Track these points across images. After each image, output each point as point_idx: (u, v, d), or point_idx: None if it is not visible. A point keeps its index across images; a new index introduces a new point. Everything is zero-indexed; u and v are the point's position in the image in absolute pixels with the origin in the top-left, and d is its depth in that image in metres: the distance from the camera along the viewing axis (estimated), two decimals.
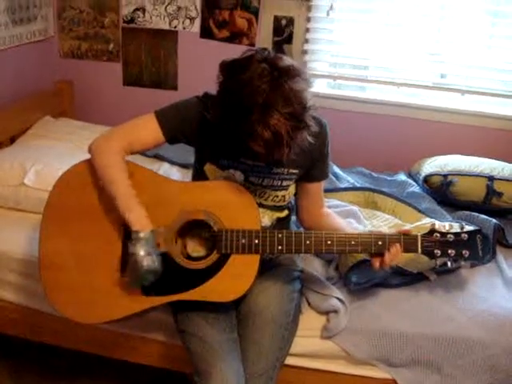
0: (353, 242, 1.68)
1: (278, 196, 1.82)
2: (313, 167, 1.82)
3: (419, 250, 1.68)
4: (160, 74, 3.23)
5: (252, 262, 1.68)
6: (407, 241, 1.68)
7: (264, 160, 1.65)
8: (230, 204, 1.69)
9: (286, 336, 1.81)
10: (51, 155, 2.45)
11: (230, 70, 1.53)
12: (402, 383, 1.93)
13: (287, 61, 1.51)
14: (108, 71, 3.28)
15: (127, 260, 1.62)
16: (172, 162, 2.77)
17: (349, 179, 2.62)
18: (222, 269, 1.68)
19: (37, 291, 2.02)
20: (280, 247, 1.68)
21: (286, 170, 1.77)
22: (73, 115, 3.24)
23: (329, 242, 1.68)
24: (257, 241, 1.67)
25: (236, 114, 1.48)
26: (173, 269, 1.68)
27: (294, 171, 1.79)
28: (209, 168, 1.78)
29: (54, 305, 1.71)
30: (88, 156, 1.74)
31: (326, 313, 1.93)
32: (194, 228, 1.72)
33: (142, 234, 1.59)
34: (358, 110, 3.10)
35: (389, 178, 2.73)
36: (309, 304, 1.96)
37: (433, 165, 2.67)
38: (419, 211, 2.35)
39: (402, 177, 2.74)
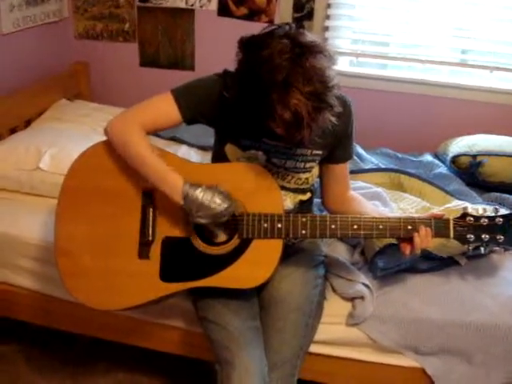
0: (381, 227, 1.60)
1: (301, 178, 1.74)
2: (337, 148, 1.74)
3: (451, 234, 1.60)
4: (177, 54, 3.15)
5: (275, 247, 1.61)
6: (438, 225, 1.60)
7: (285, 141, 1.57)
8: (251, 187, 1.62)
9: (310, 323, 1.75)
10: (67, 138, 2.39)
11: (249, 47, 1.44)
12: (430, 372, 1.86)
13: (310, 36, 1.42)
14: (124, 52, 3.21)
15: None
16: (190, 144, 2.71)
17: (373, 160, 2.53)
18: (243, 254, 1.61)
19: (53, 277, 1.98)
20: (304, 231, 1.61)
21: (309, 152, 1.69)
22: (88, 97, 3.20)
23: (355, 227, 1.60)
24: (280, 225, 1.60)
25: (255, 93, 1.40)
26: (192, 254, 1.62)
27: (318, 152, 1.71)
28: (229, 148, 1.70)
29: (70, 291, 1.65)
30: (103, 138, 1.67)
31: (352, 299, 1.86)
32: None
33: (183, 202, 1.54)
34: (380, 88, 3.00)
35: (414, 159, 2.64)
36: (333, 290, 1.89)
37: (460, 145, 2.57)
38: (447, 193, 2.26)
39: (429, 157, 2.64)
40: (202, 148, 2.69)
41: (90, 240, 1.65)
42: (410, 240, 1.60)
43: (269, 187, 1.62)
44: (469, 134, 2.73)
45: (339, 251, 1.99)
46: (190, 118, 1.65)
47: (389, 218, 1.62)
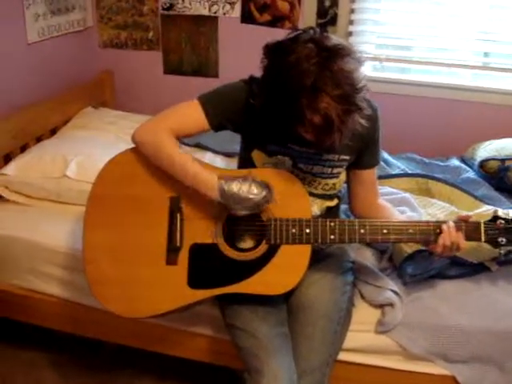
0: (411, 231, 1.58)
1: (328, 184, 1.73)
2: (364, 153, 1.72)
3: (482, 237, 1.57)
4: (200, 62, 3.15)
5: (303, 252, 1.60)
6: (469, 228, 1.57)
7: (314, 147, 1.56)
8: (278, 192, 1.60)
9: (339, 330, 1.72)
10: (92, 146, 2.41)
11: (274, 53, 1.44)
12: (461, 380, 1.82)
13: (335, 40, 1.41)
14: (148, 60, 3.22)
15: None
16: (215, 151, 2.70)
17: (399, 165, 2.50)
18: (271, 260, 1.60)
19: (79, 284, 1.99)
20: (332, 237, 1.59)
21: (336, 157, 1.68)
22: (113, 105, 3.22)
23: (385, 231, 1.58)
24: (308, 230, 1.59)
25: (283, 99, 1.39)
26: (220, 260, 1.61)
27: (345, 157, 1.69)
28: (256, 154, 1.69)
29: (98, 299, 1.65)
30: (131, 146, 1.68)
31: (381, 306, 1.83)
32: (242, 218, 1.63)
33: (220, 197, 1.54)
34: (404, 92, 2.96)
35: (441, 164, 2.60)
36: (362, 297, 1.87)
37: (488, 149, 2.52)
38: (476, 198, 2.22)
39: (456, 162, 2.60)
40: (227, 154, 2.68)
41: (117, 247, 1.65)
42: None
43: (296, 192, 1.61)
44: (495, 138, 2.68)
45: (367, 257, 1.96)
46: (217, 125, 1.65)
47: (419, 222, 1.60)
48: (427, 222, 1.60)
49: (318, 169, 1.69)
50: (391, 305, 1.80)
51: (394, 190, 2.18)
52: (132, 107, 3.16)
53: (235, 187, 1.53)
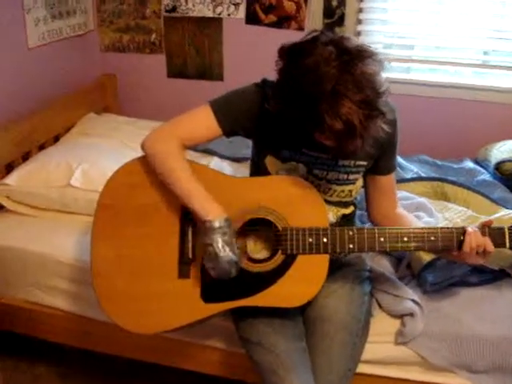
0: (432, 238, 1.52)
1: (344, 191, 1.66)
2: (382, 158, 1.66)
3: (507, 243, 1.51)
4: (205, 65, 3.09)
5: (321, 262, 1.53)
6: (493, 233, 1.51)
7: (334, 153, 1.49)
8: (294, 200, 1.54)
9: (358, 343, 1.66)
10: (97, 153, 2.35)
11: (291, 55, 1.36)
12: None
13: (355, 41, 1.34)
14: (151, 63, 3.17)
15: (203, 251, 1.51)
16: (222, 156, 2.64)
17: (412, 168, 2.43)
18: (287, 271, 1.54)
19: (88, 298, 1.93)
20: (351, 246, 1.53)
21: (352, 163, 1.61)
22: (117, 110, 3.17)
23: (405, 239, 1.52)
24: (325, 239, 1.52)
25: (301, 104, 1.32)
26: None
27: (362, 163, 1.63)
28: (269, 161, 1.63)
29: (107, 314, 1.58)
30: (137, 153, 1.62)
31: (400, 316, 1.76)
32: (256, 227, 1.57)
33: (216, 223, 1.46)
34: (411, 93, 2.90)
35: (455, 166, 2.53)
36: (380, 307, 1.80)
37: (503, 150, 2.46)
38: (493, 201, 2.16)
39: (470, 164, 2.54)
40: (235, 160, 2.63)
41: (127, 260, 1.59)
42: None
43: (313, 200, 1.55)
44: (508, 138, 2.63)
45: (384, 265, 1.90)
46: (229, 131, 1.59)
47: (440, 228, 1.53)
48: (449, 228, 1.53)
49: (333, 175, 1.62)
50: (411, 315, 1.73)
51: (410, 195, 2.12)
52: (135, 112, 3.11)
53: (218, 238, 1.46)
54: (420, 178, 2.28)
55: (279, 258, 1.54)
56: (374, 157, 1.63)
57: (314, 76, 1.28)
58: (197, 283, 1.56)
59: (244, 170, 2.51)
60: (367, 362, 1.77)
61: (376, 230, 1.53)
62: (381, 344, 1.78)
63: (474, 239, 1.48)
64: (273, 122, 1.53)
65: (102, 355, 2.14)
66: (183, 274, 1.56)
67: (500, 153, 2.44)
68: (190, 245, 1.57)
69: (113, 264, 1.59)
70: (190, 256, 1.57)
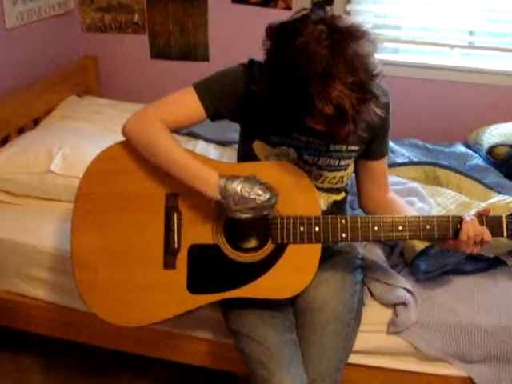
0: (428, 227, 1.47)
1: (335, 177, 1.60)
2: (374, 142, 1.59)
3: (505, 233, 1.46)
4: (189, 45, 2.98)
5: (312, 252, 1.48)
6: (491, 222, 1.47)
7: (324, 139, 1.42)
8: (285, 188, 1.47)
9: (350, 333, 1.61)
10: (78, 138, 2.26)
11: (280, 35, 1.28)
12: (477, 381, 1.72)
13: (347, 20, 1.26)
14: (134, 44, 3.05)
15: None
16: (208, 140, 2.57)
17: (404, 152, 2.37)
18: (278, 261, 1.48)
19: (69, 288, 1.85)
20: (344, 235, 1.47)
21: (344, 147, 1.55)
22: (99, 93, 3.07)
23: (400, 228, 1.47)
24: (317, 228, 1.47)
25: (290, 87, 1.25)
26: (222, 262, 1.49)
27: (354, 148, 1.56)
28: (258, 145, 1.56)
29: (89, 306, 1.52)
30: (120, 137, 1.53)
31: (393, 305, 1.71)
32: None
33: (220, 196, 1.40)
34: (404, 75, 2.83)
35: (446, 150, 2.48)
36: (372, 295, 1.75)
37: (496, 134, 2.40)
38: (486, 186, 2.11)
39: (461, 148, 2.48)
40: (221, 143, 2.55)
41: (109, 250, 1.52)
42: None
43: (304, 188, 1.49)
44: (499, 121, 2.58)
45: (376, 253, 1.84)
46: (214, 114, 1.51)
47: (436, 217, 1.48)
48: (446, 216, 1.47)
49: (324, 161, 1.56)
50: (404, 304, 1.68)
51: (402, 180, 2.06)
52: (118, 94, 3.02)
53: (237, 186, 1.39)
54: (412, 163, 2.23)
55: (269, 247, 1.48)
56: (366, 141, 1.57)
57: (304, 57, 1.20)
58: (183, 274, 1.49)
59: (231, 154, 2.45)
60: (359, 352, 1.72)
61: (370, 219, 1.47)
62: (373, 334, 1.73)
63: (472, 228, 1.43)
64: (260, 105, 1.46)
65: (86, 346, 2.08)
66: (168, 264, 1.50)
67: (492, 137, 2.39)
68: (176, 234, 1.50)
69: (94, 254, 1.52)
70: (176, 246, 1.50)
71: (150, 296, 1.50)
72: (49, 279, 1.95)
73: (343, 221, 1.47)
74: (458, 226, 1.45)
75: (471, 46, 2.82)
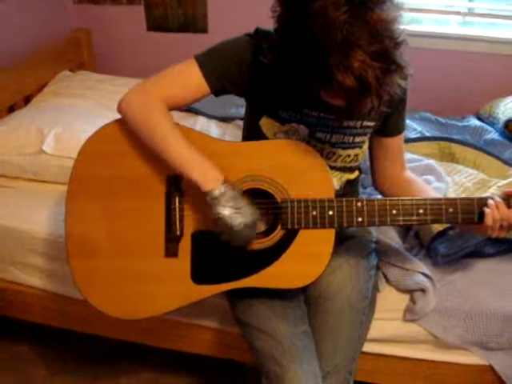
0: (450, 210, 1.35)
1: (349, 155, 1.48)
2: (391, 117, 1.47)
3: None
4: (187, 16, 2.84)
5: (326, 237, 1.37)
6: None
7: (340, 114, 1.30)
8: (295, 168, 1.36)
9: (365, 322, 1.52)
10: (72, 116, 2.13)
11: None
12: (498, 369, 1.63)
13: None
14: (129, 16, 2.91)
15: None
16: (209, 116, 2.44)
17: (416, 127, 2.25)
18: (288, 248, 1.37)
19: (65, 276, 1.75)
20: (360, 219, 1.36)
21: (359, 123, 1.42)
22: (92, 67, 2.93)
23: (421, 211, 1.35)
24: (331, 212, 1.35)
25: (305, 58, 1.12)
26: (228, 250, 1.37)
27: (369, 124, 1.44)
28: (265, 122, 1.43)
29: (87, 298, 1.42)
30: (116, 115, 1.41)
31: (410, 291, 1.61)
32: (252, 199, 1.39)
33: (216, 192, 1.28)
34: (411, 45, 2.69)
35: (460, 124, 2.35)
36: (387, 281, 1.65)
37: (511, 106, 2.28)
38: (505, 163, 2.00)
39: (475, 122, 2.36)
40: (223, 119, 2.43)
41: (107, 238, 1.41)
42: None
43: (316, 168, 1.37)
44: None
45: (391, 235, 1.73)
46: (218, 89, 1.39)
47: (460, 199, 1.36)
48: (470, 198, 1.36)
49: (337, 138, 1.44)
50: (422, 290, 1.59)
51: (417, 157, 1.94)
52: (113, 69, 2.88)
53: (224, 208, 1.28)
54: (425, 138, 2.10)
55: (279, 233, 1.37)
56: (382, 116, 1.45)
57: (321, 24, 1.07)
58: (186, 263, 1.39)
59: (233, 130, 2.34)
60: (374, 340, 1.63)
61: (388, 202, 1.36)
62: (388, 321, 1.64)
63: (498, 211, 1.32)
64: (269, 78, 1.34)
65: (85, 334, 1.98)
66: (170, 252, 1.39)
67: (509, 109, 2.26)
68: (178, 219, 1.39)
69: (90, 242, 1.41)
70: (178, 232, 1.39)
71: (151, 287, 1.39)
72: (44, 266, 1.85)
73: (359, 204, 1.35)
74: (484, 209, 1.34)
75: (473, 13, 2.68)
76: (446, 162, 2.01)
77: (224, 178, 1.30)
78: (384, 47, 1.08)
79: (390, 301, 1.63)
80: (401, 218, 1.35)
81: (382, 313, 1.61)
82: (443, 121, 2.40)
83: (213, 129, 2.35)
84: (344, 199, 1.36)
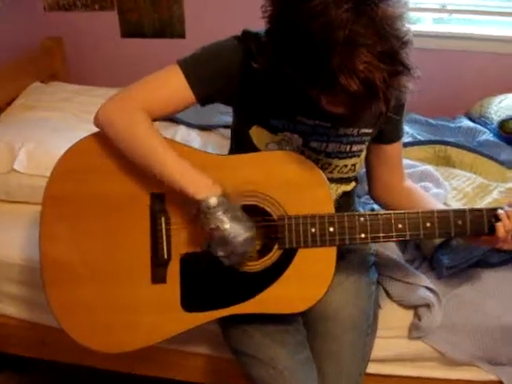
0: (459, 222, 1.27)
1: (346, 165, 1.38)
2: (389, 122, 1.37)
3: None
4: (163, 21, 2.73)
5: (327, 256, 1.26)
6: None
7: (344, 122, 1.20)
8: (291, 182, 1.26)
9: (368, 342, 1.43)
10: (45, 130, 2.02)
11: None
12: None
13: None
14: (102, 22, 2.81)
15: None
16: (189, 125, 2.33)
17: (407, 130, 2.15)
18: (286, 269, 1.26)
19: (43, 303, 1.58)
20: (363, 235, 1.26)
21: (356, 131, 1.32)
22: (65, 78, 2.80)
23: (428, 224, 1.26)
24: (332, 228, 1.25)
25: (303, 61, 1.02)
26: (221, 273, 1.26)
27: (367, 131, 1.34)
28: (256, 132, 1.32)
29: (67, 331, 1.29)
30: (93, 128, 1.28)
31: (414, 307, 1.52)
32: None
33: (212, 201, 1.16)
34: None
35: (451, 125, 2.27)
36: (388, 296, 1.55)
37: (505, 105, 2.21)
38: (502, 165, 1.92)
39: (468, 122, 2.28)
40: (204, 128, 2.32)
41: (87, 264, 1.28)
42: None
43: (314, 181, 1.27)
44: (503, 92, 2.39)
45: (389, 246, 1.64)
46: (204, 97, 1.27)
47: (469, 210, 1.27)
48: (479, 209, 1.27)
49: (333, 147, 1.33)
50: (427, 305, 1.49)
51: (412, 162, 1.85)
52: (87, 79, 2.76)
53: (222, 219, 1.17)
54: (419, 142, 2.01)
55: (276, 253, 1.26)
56: (380, 122, 1.35)
57: (321, 21, 0.96)
58: (175, 289, 1.27)
59: (216, 140, 2.23)
60: (376, 360, 1.53)
61: (393, 215, 1.26)
62: (391, 339, 1.55)
63: (510, 222, 1.24)
64: (259, 84, 1.24)
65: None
66: (158, 278, 1.27)
67: (503, 109, 2.19)
68: (165, 242, 1.27)
69: (68, 270, 1.28)
70: (166, 256, 1.27)
71: (138, 317, 1.27)
72: (19, 294, 1.72)
73: (362, 218, 1.25)
74: (493, 220, 1.25)
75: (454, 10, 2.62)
76: (441, 166, 1.92)
77: (222, 189, 1.19)
78: (391, 47, 0.98)
79: (392, 317, 1.54)
80: (407, 233, 1.26)
81: (385, 331, 1.52)
82: (434, 122, 2.32)
83: (194, 139, 2.25)
84: (345, 214, 1.26)
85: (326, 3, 0.96)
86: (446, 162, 1.96)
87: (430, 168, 1.81)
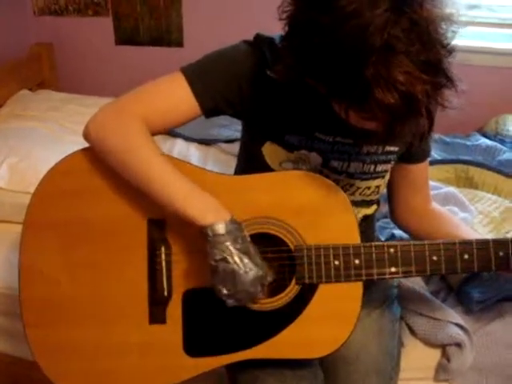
0: (501, 254, 1.12)
1: (370, 187, 1.23)
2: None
3: None
4: (160, 28, 2.69)
5: (352, 292, 1.11)
6: None
7: (377, 140, 1.06)
8: (310, 207, 1.11)
9: None
10: (30, 142, 1.94)
11: None
12: None
13: None
14: (95, 28, 2.78)
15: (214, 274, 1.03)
16: (188, 139, 2.22)
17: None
18: (305, 308, 1.11)
19: (21, 334, 1.45)
20: (394, 269, 1.11)
21: (380, 149, 1.18)
22: (55, 86, 2.77)
23: (466, 257, 1.11)
24: (357, 261, 1.10)
25: (330, 70, 0.88)
26: (229, 312, 1.09)
27: (393, 149, 1.20)
28: (269, 149, 1.17)
29: (52, 379, 1.13)
30: (81, 140, 1.13)
31: (441, 346, 1.37)
32: (258, 246, 1.12)
33: (220, 227, 1.00)
34: None
35: (468, 143, 2.15)
36: (412, 333, 1.40)
37: None
38: None
39: (486, 140, 2.16)
40: (204, 142, 2.21)
41: (73, 301, 1.12)
42: None
43: (337, 206, 1.12)
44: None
45: (413, 278, 1.48)
46: (211, 109, 1.12)
47: (510, 240, 1.13)
48: None
49: (356, 167, 1.19)
50: (458, 344, 1.34)
51: (434, 183, 1.71)
52: (77, 88, 2.71)
53: (229, 250, 1.01)
54: (439, 161, 1.88)
55: (293, 289, 1.11)
56: (407, 140, 1.20)
57: (353, 25, 0.83)
58: (177, 331, 1.11)
59: (216, 155, 2.14)
60: None
61: (427, 246, 1.11)
62: (416, 381, 1.41)
63: None
64: (275, 95, 1.09)
65: None
66: (157, 318, 1.12)
67: None
68: (165, 276, 1.12)
69: (52, 308, 1.13)
70: (166, 293, 1.11)
71: (134, 362, 1.11)
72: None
73: (391, 249, 1.10)
74: None
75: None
76: (463, 187, 1.78)
77: (232, 215, 1.04)
78: (436, 55, 0.85)
79: (416, 357, 1.39)
80: (443, 267, 1.11)
81: (409, 372, 1.37)
82: (448, 139, 2.21)
83: (193, 153, 2.16)
84: (373, 244, 1.11)
85: (359, 2, 0.81)
86: (469, 183, 1.83)
87: (453, 190, 1.68)
